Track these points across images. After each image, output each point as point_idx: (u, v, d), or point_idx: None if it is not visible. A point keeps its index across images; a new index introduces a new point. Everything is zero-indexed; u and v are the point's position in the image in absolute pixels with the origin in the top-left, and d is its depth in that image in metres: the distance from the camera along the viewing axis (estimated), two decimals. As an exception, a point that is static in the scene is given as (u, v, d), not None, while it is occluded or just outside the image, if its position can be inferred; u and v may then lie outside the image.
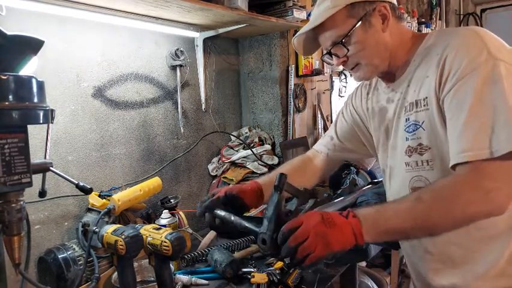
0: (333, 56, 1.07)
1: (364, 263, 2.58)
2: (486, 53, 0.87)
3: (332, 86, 2.92)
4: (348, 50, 1.03)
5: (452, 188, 0.86)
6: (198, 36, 1.93)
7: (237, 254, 1.47)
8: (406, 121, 1.04)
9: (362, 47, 1.02)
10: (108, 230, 1.17)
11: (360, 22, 1.00)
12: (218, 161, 2.08)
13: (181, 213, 1.66)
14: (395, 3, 1.07)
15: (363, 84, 1.26)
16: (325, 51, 1.09)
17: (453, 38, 0.95)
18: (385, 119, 1.14)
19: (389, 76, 1.11)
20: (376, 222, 0.86)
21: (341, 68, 2.95)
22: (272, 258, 1.44)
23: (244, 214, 1.90)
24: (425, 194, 0.87)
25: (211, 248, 1.50)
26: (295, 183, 1.12)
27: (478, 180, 0.84)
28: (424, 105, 0.99)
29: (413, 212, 0.86)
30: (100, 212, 1.36)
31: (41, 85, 0.89)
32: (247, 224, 0.98)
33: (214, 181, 2.06)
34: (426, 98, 0.98)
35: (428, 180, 1.01)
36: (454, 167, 0.88)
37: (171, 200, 1.66)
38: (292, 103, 2.23)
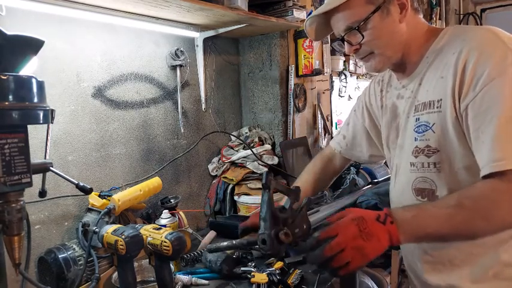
0: (345, 43, 1.02)
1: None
2: (511, 56, 0.84)
3: (332, 86, 2.92)
4: (363, 36, 0.98)
5: (492, 196, 0.84)
6: (198, 36, 1.93)
7: (229, 251, 1.47)
8: (416, 121, 1.01)
9: (377, 36, 0.98)
10: (108, 230, 1.17)
11: (378, 9, 0.96)
12: (218, 161, 2.08)
13: (181, 213, 1.66)
14: None
15: (376, 81, 1.23)
16: (337, 37, 1.04)
17: (472, 40, 0.92)
18: (397, 116, 1.11)
19: (401, 70, 1.07)
20: (414, 227, 0.84)
21: (341, 67, 2.96)
22: (272, 258, 1.43)
23: (245, 214, 1.90)
24: (466, 200, 0.84)
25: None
26: (322, 185, 1.29)
27: None
28: (437, 107, 0.96)
29: (454, 220, 0.84)
30: (100, 212, 1.36)
31: (41, 85, 0.89)
32: (247, 239, 0.99)
33: (214, 181, 2.06)
34: (440, 100, 0.94)
35: (434, 182, 0.99)
36: (486, 176, 0.85)
37: (171, 200, 1.66)
38: (292, 103, 2.23)
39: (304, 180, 1.35)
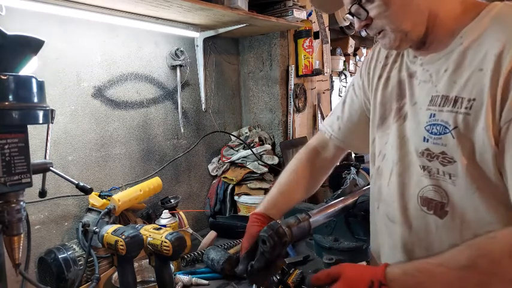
0: (354, 18, 0.86)
1: (364, 263, 2.58)
2: None
3: (332, 86, 2.92)
4: (367, 12, 0.82)
5: None
6: (198, 36, 1.93)
7: (232, 251, 1.48)
8: (431, 117, 0.82)
9: (386, 7, 0.79)
10: (109, 230, 1.17)
11: None
12: (218, 161, 2.08)
13: (181, 213, 1.66)
14: None
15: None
16: (346, 11, 0.88)
17: None
18: (402, 97, 0.92)
19: (423, 46, 0.87)
20: None
21: (341, 67, 2.96)
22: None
23: (245, 214, 1.90)
24: (482, 260, 0.67)
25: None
26: (310, 187, 1.13)
27: None
28: (466, 108, 0.75)
29: (466, 286, 0.68)
30: (100, 212, 1.36)
31: (41, 85, 0.89)
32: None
33: (214, 181, 2.06)
34: (473, 100, 0.74)
35: (447, 195, 0.81)
36: None
37: (171, 200, 1.66)
38: (292, 103, 2.23)
39: (285, 182, 1.13)
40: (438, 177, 0.81)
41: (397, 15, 0.80)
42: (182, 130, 1.91)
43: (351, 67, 3.18)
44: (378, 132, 0.98)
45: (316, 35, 2.35)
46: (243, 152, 2.00)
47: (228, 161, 2.02)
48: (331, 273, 0.79)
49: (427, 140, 0.82)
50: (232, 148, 2.09)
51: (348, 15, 0.87)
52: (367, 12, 0.82)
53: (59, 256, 1.28)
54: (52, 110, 0.92)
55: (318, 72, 2.26)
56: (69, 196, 1.45)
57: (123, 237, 1.12)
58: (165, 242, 1.13)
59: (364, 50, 3.40)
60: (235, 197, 1.96)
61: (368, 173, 1.90)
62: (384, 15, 0.81)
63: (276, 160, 2.06)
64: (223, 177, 2.00)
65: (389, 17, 0.81)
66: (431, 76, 0.84)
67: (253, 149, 2.00)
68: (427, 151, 0.82)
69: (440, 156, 0.80)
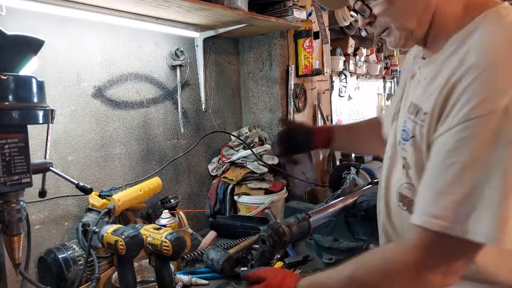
0: (358, 15, 0.84)
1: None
2: (507, 97, 0.61)
3: (332, 86, 2.92)
4: (370, 9, 0.80)
5: (388, 271, 0.73)
6: (198, 36, 1.93)
7: (231, 251, 1.48)
8: (404, 123, 0.84)
9: (389, 5, 0.77)
10: (108, 230, 1.17)
11: None
12: (218, 161, 2.08)
13: (181, 213, 1.66)
14: None
15: None
16: (351, 8, 0.89)
17: (484, 45, 0.68)
18: (404, 97, 0.92)
19: (425, 45, 0.85)
20: None
21: (341, 67, 2.96)
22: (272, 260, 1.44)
23: (245, 214, 1.91)
24: (359, 272, 0.76)
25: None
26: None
27: (426, 267, 0.67)
28: (422, 121, 0.77)
29: None
30: (100, 212, 1.36)
31: (41, 85, 0.89)
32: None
33: (214, 181, 2.06)
34: (426, 114, 0.75)
35: (416, 193, 0.80)
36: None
37: (171, 200, 1.66)
38: (292, 103, 2.23)
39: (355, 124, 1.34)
40: (409, 177, 0.84)
41: (402, 12, 0.78)
42: (182, 130, 1.92)
43: (351, 67, 3.18)
44: (391, 129, 1.00)
45: (316, 35, 2.35)
46: (243, 152, 2.00)
47: (228, 161, 2.03)
48: (260, 275, 0.94)
49: (400, 143, 0.86)
50: (232, 148, 2.09)
51: (352, 11, 0.86)
52: (371, 9, 0.80)
53: (59, 256, 1.28)
54: (52, 110, 0.92)
55: (318, 72, 2.26)
56: (69, 196, 1.45)
57: (123, 237, 1.12)
58: (165, 242, 1.13)
59: (364, 50, 3.40)
60: (235, 197, 1.96)
61: (368, 172, 1.90)
62: (388, 12, 0.79)
63: (276, 160, 2.06)
64: (223, 177, 2.00)
65: (393, 14, 0.79)
66: (419, 81, 0.84)
67: (253, 149, 2.00)
68: (402, 151, 0.85)
69: (403, 160, 0.84)
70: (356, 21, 3.06)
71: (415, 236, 0.70)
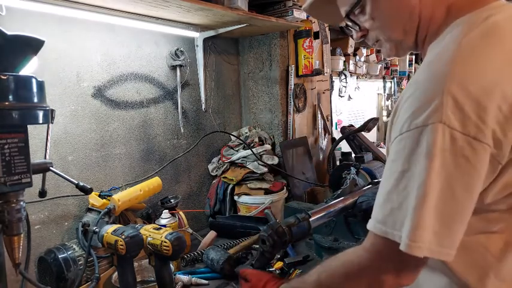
0: (352, 30, 0.87)
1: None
2: (431, 109, 0.62)
3: (332, 86, 2.92)
4: (357, 24, 0.83)
5: (347, 268, 0.76)
6: (198, 36, 1.93)
7: (231, 251, 1.48)
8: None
9: (373, 20, 0.81)
10: (108, 230, 1.17)
11: None
12: (218, 161, 2.08)
13: (181, 213, 1.66)
14: None
15: None
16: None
17: (429, 64, 0.69)
18: None
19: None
20: None
21: (341, 67, 2.97)
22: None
23: (245, 214, 1.91)
24: (323, 274, 0.81)
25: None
26: None
27: (378, 268, 0.71)
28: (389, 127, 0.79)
29: None
30: (100, 212, 1.36)
31: (41, 85, 0.89)
32: None
33: (214, 181, 2.06)
34: (389, 120, 0.79)
35: None
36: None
37: (171, 200, 1.66)
38: (292, 103, 2.23)
39: None
40: None
41: (386, 25, 0.81)
42: (182, 130, 1.92)
43: (351, 67, 3.18)
44: None
45: (316, 35, 2.35)
46: (243, 152, 2.00)
47: (228, 161, 2.03)
48: (247, 276, 1.04)
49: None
50: (232, 148, 2.09)
51: (347, 27, 0.89)
52: (359, 25, 0.84)
53: (59, 256, 1.28)
54: (52, 110, 0.92)
55: (318, 72, 2.26)
56: (69, 196, 1.45)
57: (123, 237, 1.12)
58: (165, 242, 1.13)
59: (364, 50, 3.40)
60: (235, 197, 1.96)
61: (368, 172, 1.90)
62: (374, 26, 0.82)
63: (276, 160, 2.06)
64: (223, 177, 2.00)
65: (379, 28, 0.82)
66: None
67: (253, 149, 2.00)
68: None
69: None
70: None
71: (368, 239, 0.73)
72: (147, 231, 1.20)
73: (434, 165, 0.62)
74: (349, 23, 0.85)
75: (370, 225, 0.71)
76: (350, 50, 3.13)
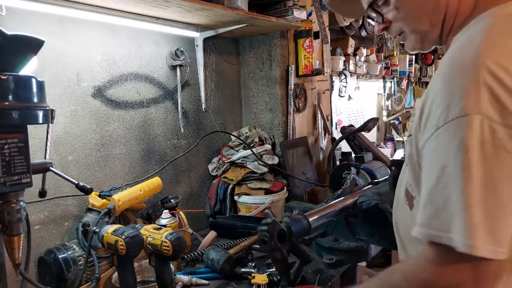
0: (374, 22, 0.85)
1: (364, 263, 2.58)
2: (466, 101, 0.59)
3: (332, 86, 2.92)
4: (381, 15, 0.81)
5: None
6: (198, 36, 1.93)
7: (232, 251, 1.48)
8: (412, 122, 0.81)
9: (398, 10, 0.78)
10: (108, 230, 1.17)
11: None
12: (218, 161, 2.08)
13: (181, 213, 1.66)
14: None
15: None
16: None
17: (454, 53, 0.67)
18: None
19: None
20: None
21: (341, 67, 2.97)
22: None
23: (245, 214, 1.91)
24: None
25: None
26: None
27: (444, 277, 0.62)
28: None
29: None
30: (100, 212, 1.36)
31: (41, 85, 0.89)
32: None
33: (214, 181, 2.06)
34: (415, 115, 0.74)
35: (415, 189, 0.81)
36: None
37: (171, 200, 1.66)
38: (292, 103, 2.23)
39: None
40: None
41: (412, 16, 0.78)
42: (182, 130, 1.91)
43: (351, 67, 3.18)
44: None
45: (316, 35, 2.35)
46: (243, 152, 2.00)
47: (228, 161, 2.02)
48: None
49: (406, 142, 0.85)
50: (232, 148, 2.09)
51: (368, 19, 0.86)
52: (382, 15, 0.81)
53: (59, 256, 1.28)
54: (52, 110, 0.92)
55: (318, 72, 2.26)
56: (69, 196, 1.45)
57: (123, 237, 1.12)
58: (165, 242, 1.13)
59: (364, 50, 3.40)
60: (236, 197, 1.96)
61: (368, 172, 1.90)
62: (399, 17, 0.79)
63: (276, 160, 2.06)
64: (223, 177, 2.00)
65: (404, 19, 0.79)
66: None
67: (253, 149, 2.00)
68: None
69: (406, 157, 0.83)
70: (356, 21, 3.07)
71: (423, 249, 0.67)
72: (147, 231, 1.20)
73: (474, 159, 0.58)
74: (373, 14, 0.82)
75: (415, 232, 0.66)
76: (350, 50, 3.13)
